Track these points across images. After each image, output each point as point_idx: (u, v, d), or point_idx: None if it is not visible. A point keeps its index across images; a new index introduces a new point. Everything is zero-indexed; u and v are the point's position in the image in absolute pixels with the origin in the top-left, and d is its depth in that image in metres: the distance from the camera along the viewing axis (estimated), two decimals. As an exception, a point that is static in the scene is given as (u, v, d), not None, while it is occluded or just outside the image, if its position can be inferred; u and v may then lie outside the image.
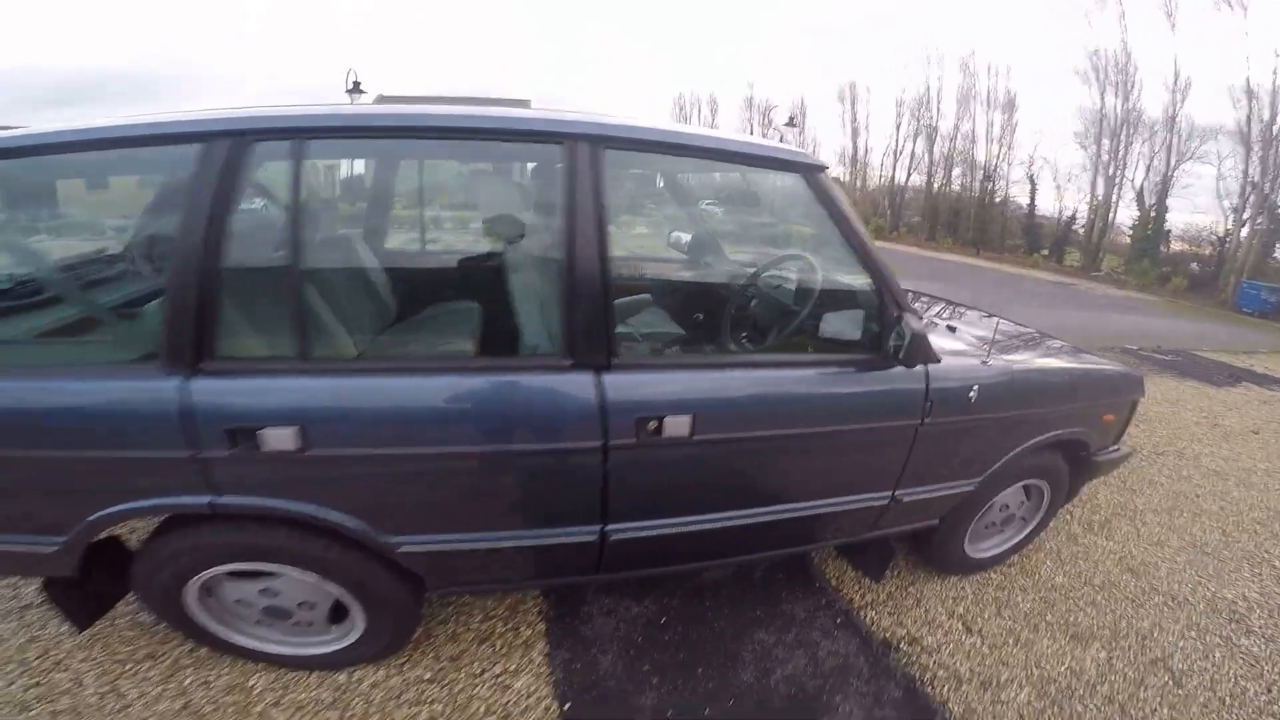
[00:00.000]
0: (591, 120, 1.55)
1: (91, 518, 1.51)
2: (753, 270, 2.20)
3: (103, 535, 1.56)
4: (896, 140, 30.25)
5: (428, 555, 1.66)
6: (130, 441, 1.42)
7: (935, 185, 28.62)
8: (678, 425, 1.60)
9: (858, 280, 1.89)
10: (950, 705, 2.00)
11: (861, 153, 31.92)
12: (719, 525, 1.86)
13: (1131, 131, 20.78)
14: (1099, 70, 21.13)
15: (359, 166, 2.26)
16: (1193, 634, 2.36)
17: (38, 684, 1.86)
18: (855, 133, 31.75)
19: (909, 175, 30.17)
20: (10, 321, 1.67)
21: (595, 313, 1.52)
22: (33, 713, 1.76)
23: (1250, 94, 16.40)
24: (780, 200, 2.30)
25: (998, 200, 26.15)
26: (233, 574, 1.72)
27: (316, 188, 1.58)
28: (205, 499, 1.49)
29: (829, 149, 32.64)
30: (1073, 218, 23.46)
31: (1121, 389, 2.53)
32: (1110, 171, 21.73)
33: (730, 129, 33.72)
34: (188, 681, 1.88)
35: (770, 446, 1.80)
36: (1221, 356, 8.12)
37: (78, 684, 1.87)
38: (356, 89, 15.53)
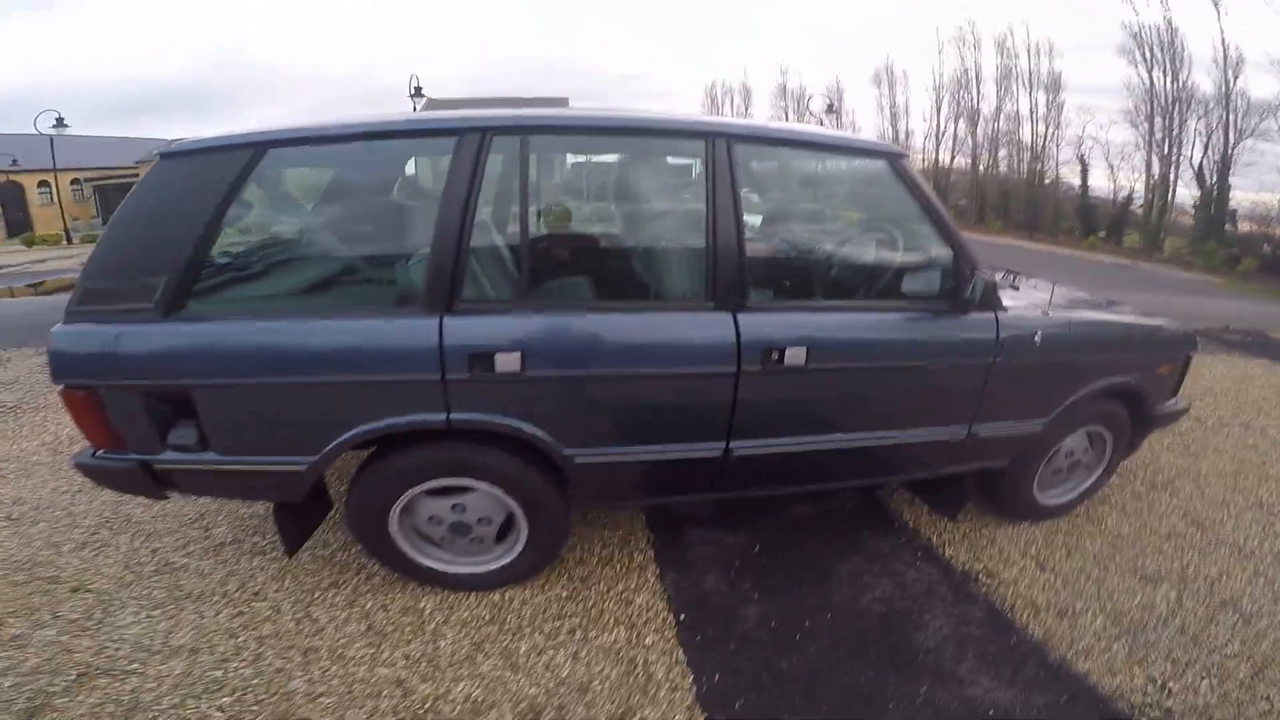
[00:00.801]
0: (728, 122, 2.08)
1: (343, 437, 1.86)
2: (840, 237, 2.51)
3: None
4: (938, 123, 29.00)
5: (593, 466, 2.01)
6: (396, 367, 1.80)
7: (981, 167, 27.46)
8: (796, 355, 1.97)
9: (929, 246, 2.16)
10: (1030, 629, 2.16)
11: (902, 136, 30.95)
12: (823, 448, 2.18)
13: (1185, 109, 19.43)
14: (1143, 47, 19.87)
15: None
16: (1261, 581, 2.42)
17: (241, 613, 2.08)
18: (894, 117, 30.58)
19: (953, 158, 28.92)
20: (296, 274, 2.06)
21: (733, 267, 1.93)
22: (240, 639, 1.96)
23: None
24: (834, 184, 2.70)
25: (1047, 181, 24.70)
26: (430, 492, 2.05)
27: (534, 174, 1.98)
28: (443, 415, 1.85)
29: (868, 134, 31.84)
30: (1129, 198, 21.93)
31: (1175, 343, 2.70)
32: (1166, 150, 20.27)
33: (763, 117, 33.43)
34: (368, 606, 2.14)
35: (867, 378, 2.14)
36: None
37: (276, 611, 2.09)
38: (418, 93, 16.76)
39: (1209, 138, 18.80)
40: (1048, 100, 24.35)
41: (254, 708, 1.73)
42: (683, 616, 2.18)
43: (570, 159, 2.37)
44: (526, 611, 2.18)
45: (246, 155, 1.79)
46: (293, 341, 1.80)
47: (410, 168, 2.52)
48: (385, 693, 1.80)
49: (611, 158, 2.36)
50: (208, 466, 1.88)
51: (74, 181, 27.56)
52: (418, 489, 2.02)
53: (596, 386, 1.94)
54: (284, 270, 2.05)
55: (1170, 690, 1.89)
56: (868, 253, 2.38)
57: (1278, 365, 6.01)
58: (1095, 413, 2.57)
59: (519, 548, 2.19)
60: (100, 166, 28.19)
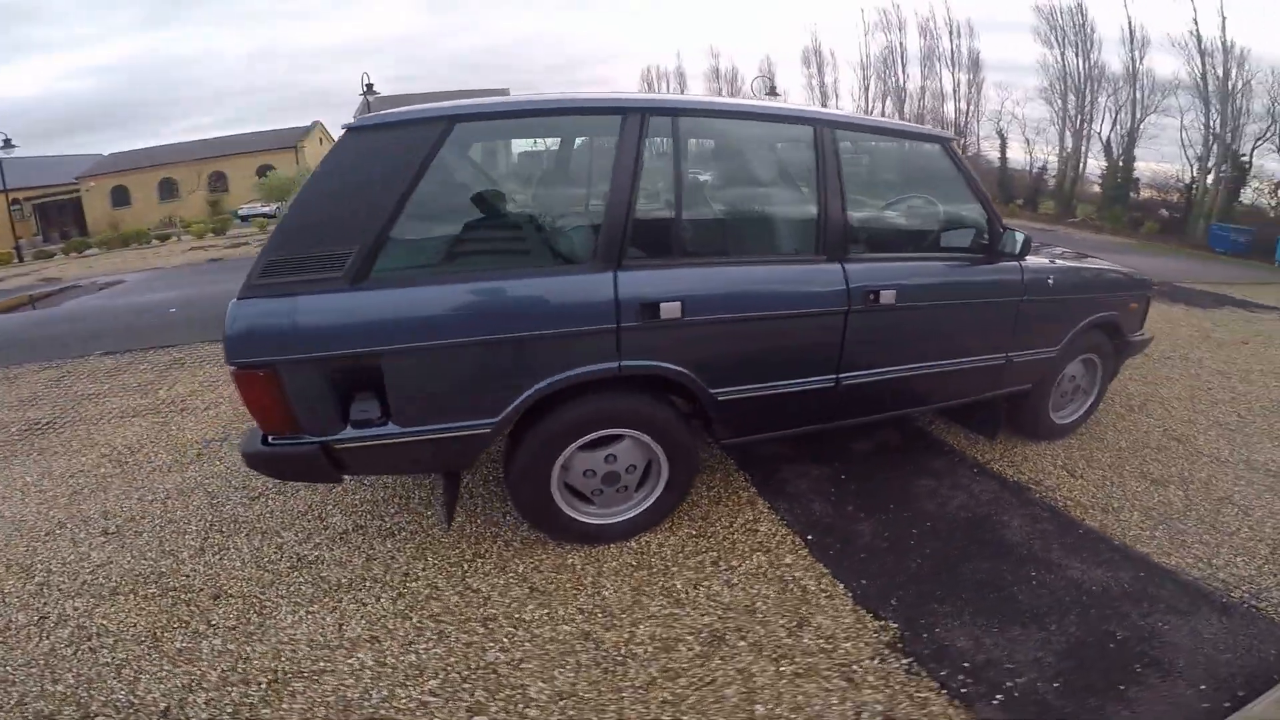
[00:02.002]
0: (826, 112, 2.35)
1: (527, 393, 1.88)
2: (909, 203, 2.84)
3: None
4: (866, 102, 29.85)
5: (734, 402, 2.16)
6: (576, 319, 1.89)
7: None
8: (889, 296, 2.28)
9: (973, 211, 2.57)
10: (1087, 522, 2.46)
11: None
12: (907, 375, 2.49)
13: (1096, 87, 20.99)
14: (1055, 29, 21.27)
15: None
16: (1243, 483, 2.81)
17: (400, 595, 2.00)
18: (824, 96, 31.17)
19: None
20: (474, 239, 2.04)
21: (838, 227, 2.22)
22: (414, 620, 1.90)
23: (1204, 52, 16.83)
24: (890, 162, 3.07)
25: (970, 155, 26.43)
26: (582, 447, 2.08)
27: (687, 150, 2.13)
28: (615, 364, 1.94)
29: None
30: (1044, 169, 23.54)
31: (1139, 285, 3.22)
32: (1078, 125, 21.88)
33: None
34: (521, 569, 2.13)
35: (937, 314, 2.50)
36: (1201, 286, 8.69)
37: (435, 588, 2.03)
38: (370, 90, 16.27)
39: (1117, 113, 20.40)
40: (969, 79, 25.65)
41: (465, 686, 1.69)
42: (810, 537, 2.34)
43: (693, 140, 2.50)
44: (666, 552, 2.24)
45: (438, 129, 1.77)
46: (482, 300, 1.81)
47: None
48: (578, 647, 1.82)
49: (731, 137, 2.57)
50: (390, 440, 1.82)
51: (14, 202, 25.97)
52: (576, 444, 2.05)
53: (737, 329, 2.12)
54: (462, 236, 2.02)
55: (1215, 565, 2.21)
56: (931, 215, 2.69)
57: (1194, 309, 6.90)
58: (1089, 343, 3.00)
59: (659, 489, 2.27)
60: (36, 185, 27.92)
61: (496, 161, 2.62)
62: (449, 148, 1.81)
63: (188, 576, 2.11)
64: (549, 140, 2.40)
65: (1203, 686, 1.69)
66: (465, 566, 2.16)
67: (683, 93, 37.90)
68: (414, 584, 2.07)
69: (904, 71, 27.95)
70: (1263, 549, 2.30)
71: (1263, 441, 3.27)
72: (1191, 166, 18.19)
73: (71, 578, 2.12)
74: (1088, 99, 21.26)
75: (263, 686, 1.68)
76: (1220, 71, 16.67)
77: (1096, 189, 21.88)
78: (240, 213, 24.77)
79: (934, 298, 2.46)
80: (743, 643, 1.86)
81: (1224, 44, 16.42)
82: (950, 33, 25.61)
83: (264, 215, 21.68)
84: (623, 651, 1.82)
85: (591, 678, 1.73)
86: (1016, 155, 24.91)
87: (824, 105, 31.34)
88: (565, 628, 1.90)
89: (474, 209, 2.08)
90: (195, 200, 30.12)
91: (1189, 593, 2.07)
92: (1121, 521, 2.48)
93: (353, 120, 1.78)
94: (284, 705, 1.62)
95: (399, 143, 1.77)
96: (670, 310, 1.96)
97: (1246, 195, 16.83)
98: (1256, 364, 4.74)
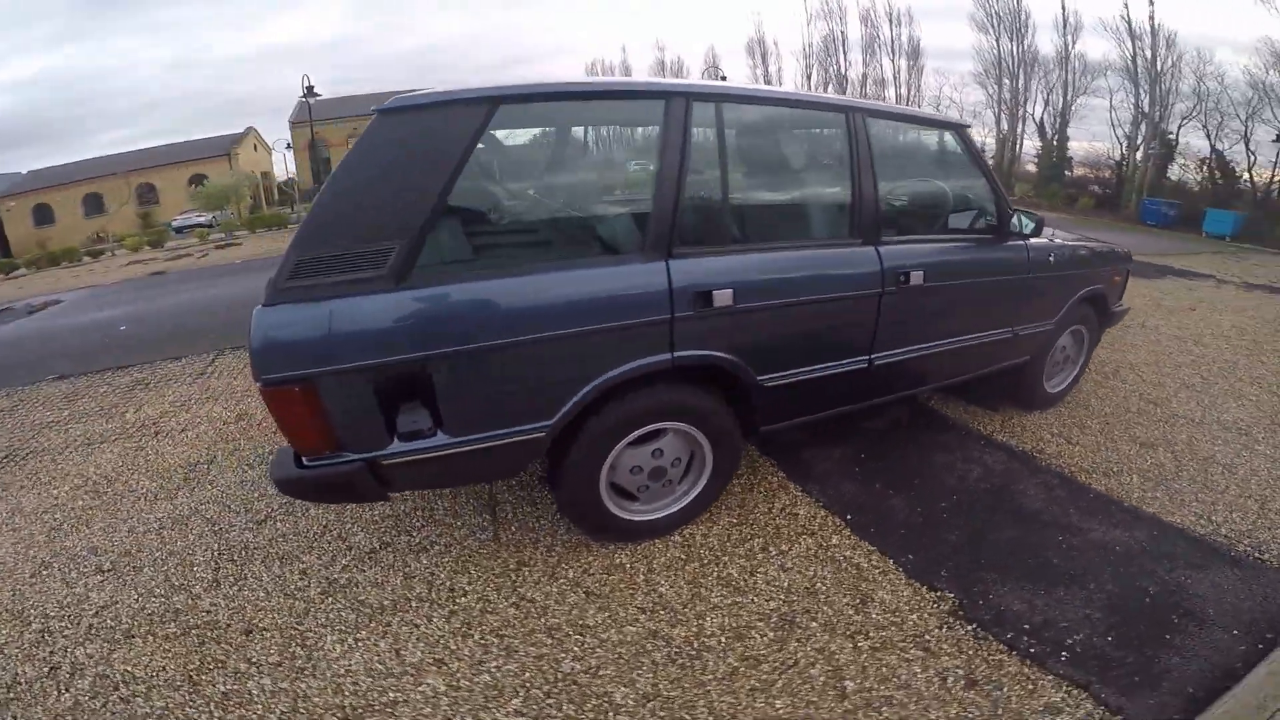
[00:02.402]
0: (858, 99, 2.41)
1: (583, 391, 1.77)
2: (930, 189, 2.90)
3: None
4: (809, 89, 30.16)
5: (777, 388, 2.13)
6: (631, 311, 1.79)
7: None
8: (918, 277, 2.32)
9: (986, 195, 2.68)
10: (1094, 486, 2.58)
11: None
12: (934, 351, 2.55)
13: (1029, 71, 21.96)
14: (991, 16, 22.25)
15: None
16: (1220, 442, 3.01)
17: (453, 612, 1.88)
18: (767, 84, 31.95)
19: None
20: (518, 230, 1.92)
21: (871, 212, 2.24)
22: (475, 637, 1.78)
23: (1134, 35, 17.92)
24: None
25: None
26: (630, 443, 2.00)
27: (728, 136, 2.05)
28: (669, 355, 1.86)
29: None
30: (981, 150, 25.06)
31: (1121, 258, 3.36)
32: (1013, 108, 22.84)
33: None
34: (571, 575, 2.03)
35: (958, 293, 2.56)
36: (1142, 258, 9.07)
37: (487, 602, 1.92)
38: (311, 92, 15.67)
39: (1049, 95, 21.49)
40: (909, 65, 26.36)
41: (549, 701, 1.59)
42: (849, 517, 2.36)
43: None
44: (713, 543, 2.21)
45: (482, 110, 1.62)
46: (534, 295, 1.69)
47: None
48: (649, 646, 1.76)
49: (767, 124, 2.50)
50: (440, 453, 1.67)
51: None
52: (625, 441, 1.97)
53: (783, 315, 2.08)
54: (507, 226, 1.89)
55: (1215, 522, 2.34)
56: (950, 199, 2.74)
57: (1140, 279, 7.39)
58: (1079, 314, 3.14)
59: (703, 480, 2.23)
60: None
61: (537, 147, 2.46)
62: (492, 131, 1.68)
63: (209, 612, 1.91)
64: (589, 126, 2.27)
65: (1235, 632, 1.79)
66: (513, 577, 2.05)
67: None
68: (464, 599, 1.95)
69: (845, 59, 28.59)
70: (1253, 505, 2.47)
71: (1228, 401, 3.53)
72: (1121, 145, 19.35)
73: (73, 622, 1.88)
74: (1021, 82, 22.30)
75: (333, 727, 1.53)
76: (1149, 54, 17.77)
77: (1032, 168, 23.06)
78: (174, 224, 23.10)
79: (955, 277, 2.53)
80: (814, 624, 1.85)
81: (1153, 28, 17.54)
82: (890, 20, 26.41)
83: (202, 225, 20.19)
84: (695, 645, 1.77)
85: (671, 675, 1.67)
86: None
87: None
88: (631, 629, 1.84)
89: (518, 197, 1.96)
90: (124, 214, 28.06)
91: (1200, 548, 2.19)
92: (1124, 485, 2.61)
93: (386, 102, 1.60)
94: (363, 743, 1.49)
95: (440, 126, 1.61)
96: (723, 298, 1.91)
97: (1173, 171, 18.00)
98: (1206, 328, 5.14)
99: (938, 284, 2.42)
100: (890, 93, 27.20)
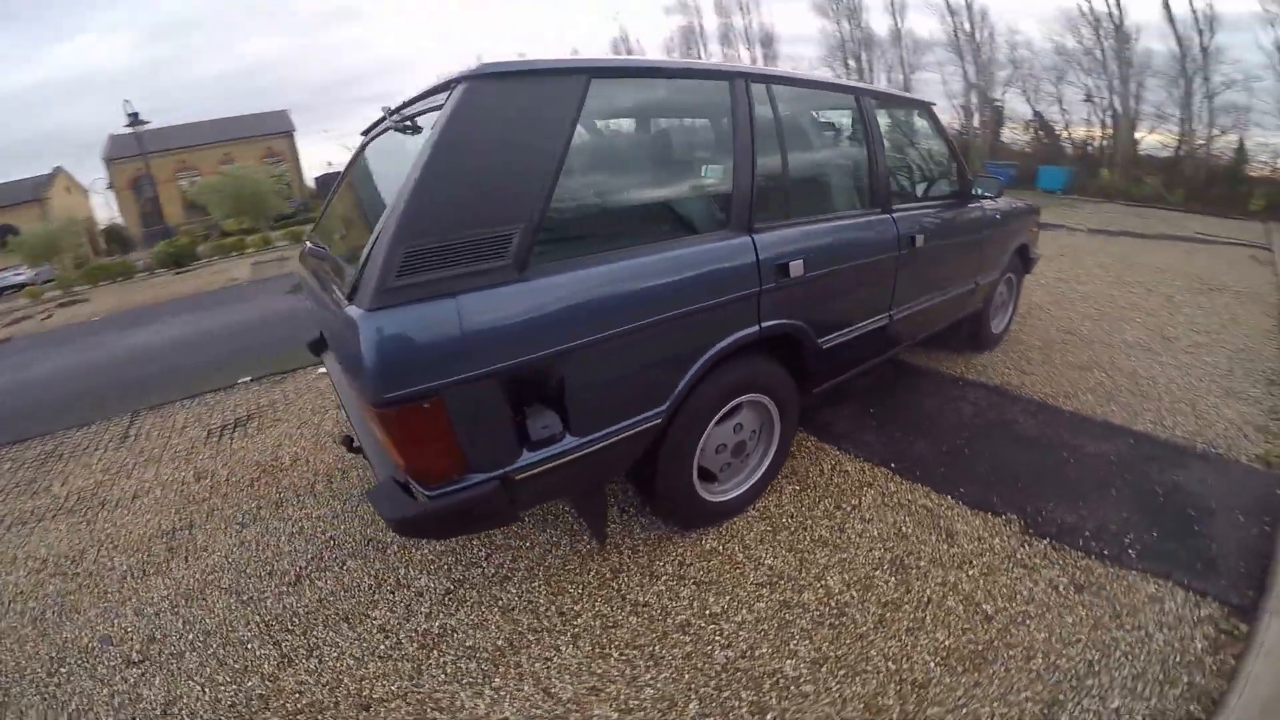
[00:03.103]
0: (859, 83, 2.64)
1: (692, 370, 1.72)
2: (917, 163, 3.16)
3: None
4: None
5: (832, 350, 2.24)
6: (731, 285, 1.80)
7: None
8: (920, 240, 2.52)
9: (944, 162, 3.01)
10: (1065, 408, 2.94)
11: None
12: (932, 303, 2.79)
13: (870, 50, 23.47)
14: (831, 3, 23.66)
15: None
16: (1134, 359, 3.55)
17: (577, 635, 1.73)
18: None
19: None
20: (613, 211, 1.77)
21: (885, 181, 2.44)
22: (614, 655, 1.66)
23: (952, 11, 19.93)
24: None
25: None
26: (716, 422, 1.98)
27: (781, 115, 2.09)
28: (757, 327, 1.87)
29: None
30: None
31: (1036, 212, 3.91)
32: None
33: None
34: (671, 569, 1.96)
35: (948, 251, 2.84)
36: None
37: (604, 617, 1.79)
38: (137, 120, 13.83)
39: (889, 73, 23.03)
40: (764, 53, 26.86)
41: (725, 694, 1.53)
42: (892, 465, 2.51)
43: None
44: (789, 510, 2.24)
45: (581, 82, 1.49)
46: (650, 277, 1.61)
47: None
48: (789, 617, 1.75)
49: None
50: (569, 457, 1.52)
51: None
52: (715, 419, 1.95)
53: (836, 280, 2.18)
54: (608, 207, 1.73)
55: (1167, 426, 2.75)
56: (931, 169, 3.02)
57: None
58: (1012, 264, 3.59)
59: (772, 450, 2.25)
60: None
61: (619, 125, 2.33)
62: (590, 105, 1.53)
63: (301, 692, 1.60)
64: (665, 105, 2.20)
65: (1241, 518, 2.10)
66: (614, 585, 1.93)
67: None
68: (580, 620, 1.80)
69: (705, 50, 29.15)
70: (1186, 408, 2.93)
71: (1121, 325, 4.18)
72: (959, 114, 21.35)
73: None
74: (865, 61, 24.22)
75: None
76: (968, 27, 19.97)
77: (885, 143, 25.92)
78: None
79: (943, 238, 2.79)
80: (922, 562, 1.94)
81: (968, 3, 19.70)
82: (741, 9, 27.23)
83: (27, 284, 16.16)
84: (832, 604, 1.79)
85: (827, 637, 1.68)
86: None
87: None
88: (761, 605, 1.81)
89: (616, 175, 1.85)
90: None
91: (1171, 450, 2.56)
92: (1085, 403, 3.00)
93: (475, 68, 1.38)
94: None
95: (546, 95, 1.44)
96: (797, 268, 1.96)
97: (1005, 135, 20.22)
98: (1078, 269, 6.00)
99: (933, 244, 2.68)
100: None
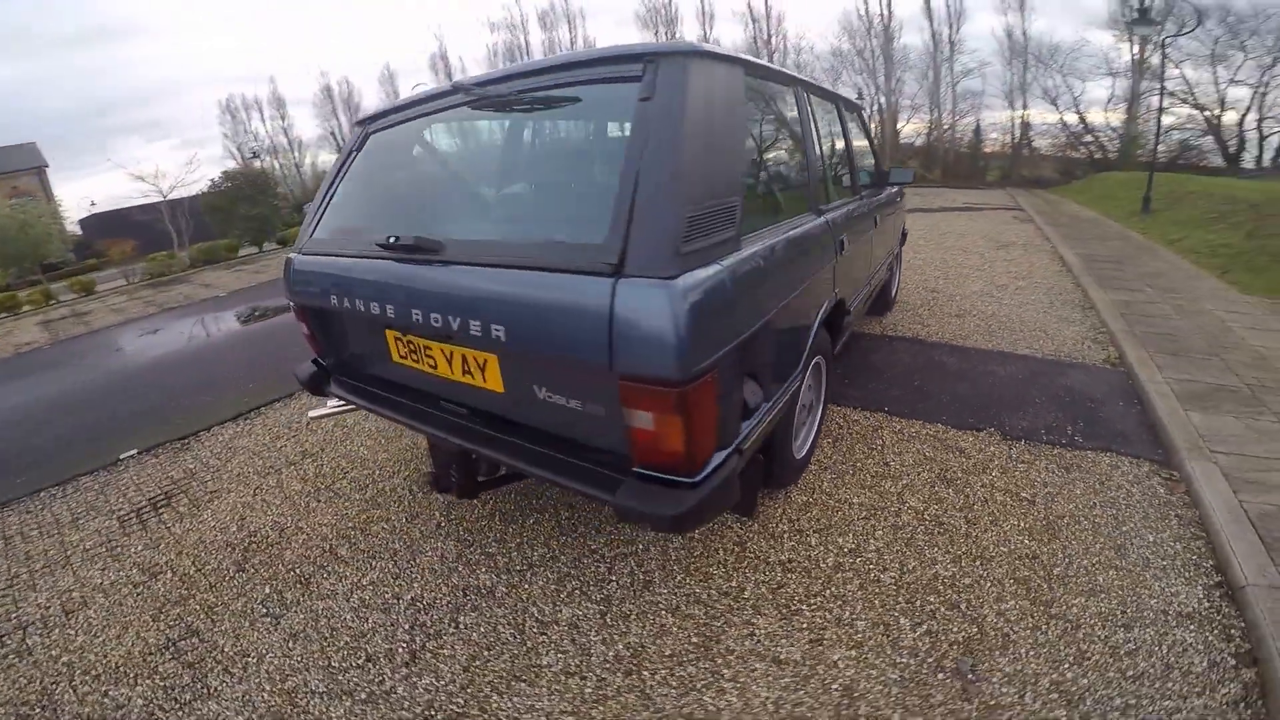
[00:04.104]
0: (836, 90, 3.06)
1: (812, 333, 1.96)
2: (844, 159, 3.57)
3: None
4: None
5: (850, 315, 2.58)
6: (828, 257, 2.11)
7: None
8: (848, 238, 2.54)
9: (870, 154, 3.56)
10: (975, 345, 3.67)
11: None
12: (885, 268, 3.53)
13: None
14: (651, 12, 25.22)
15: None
16: (986, 302, 4.55)
17: (757, 609, 1.76)
18: None
19: None
20: (763, 188, 1.93)
21: (855, 168, 2.91)
22: (805, 613, 1.74)
23: (754, 19, 22.53)
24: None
25: None
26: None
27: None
28: (834, 296, 2.19)
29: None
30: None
31: (902, 194, 4.73)
32: None
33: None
34: (781, 527, 2.09)
35: (887, 226, 3.41)
36: None
37: (766, 585, 1.84)
38: None
39: None
40: None
41: (927, 606, 1.74)
42: (887, 409, 2.94)
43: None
44: (836, 459, 2.52)
45: (740, 73, 1.59)
46: (798, 248, 1.81)
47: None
48: (905, 536, 2.00)
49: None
50: (762, 425, 1.58)
51: None
52: (805, 381, 2.13)
53: (856, 255, 2.53)
54: (757, 183, 1.90)
55: (1044, 350, 3.60)
56: (872, 157, 3.54)
57: None
58: (900, 237, 4.36)
59: (820, 406, 2.50)
60: None
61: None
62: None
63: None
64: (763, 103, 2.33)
65: (1120, 403, 2.87)
66: (752, 555, 2.00)
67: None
68: (748, 593, 1.84)
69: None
70: (1040, 334, 3.85)
71: (964, 280, 5.26)
72: None
73: None
74: None
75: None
76: (767, 34, 22.76)
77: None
78: None
79: (883, 214, 3.31)
80: (959, 474, 2.35)
81: (767, 12, 22.55)
82: (569, 22, 27.83)
83: None
84: (928, 519, 2.10)
85: (945, 542, 1.98)
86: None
87: None
88: (880, 534, 2.04)
89: (762, 158, 1.95)
90: None
91: (1054, 365, 3.36)
92: (978, 341, 3.78)
93: (677, 45, 1.37)
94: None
95: (735, 79, 1.53)
96: (845, 244, 2.25)
97: None
98: (944, 241, 7.22)
99: (885, 219, 3.15)
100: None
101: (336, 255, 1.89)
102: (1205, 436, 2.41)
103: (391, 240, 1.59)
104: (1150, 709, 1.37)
